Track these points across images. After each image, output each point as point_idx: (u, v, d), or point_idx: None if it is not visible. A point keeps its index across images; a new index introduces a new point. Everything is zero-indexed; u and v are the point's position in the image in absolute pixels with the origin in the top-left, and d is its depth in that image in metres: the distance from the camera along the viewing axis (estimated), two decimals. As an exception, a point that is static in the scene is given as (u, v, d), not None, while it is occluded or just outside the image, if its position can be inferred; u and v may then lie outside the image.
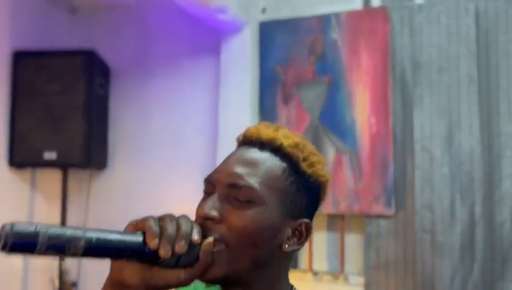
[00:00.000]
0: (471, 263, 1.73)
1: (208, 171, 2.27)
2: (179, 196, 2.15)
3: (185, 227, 0.59)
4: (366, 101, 1.93)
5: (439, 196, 1.78)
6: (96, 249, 0.55)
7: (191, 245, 0.59)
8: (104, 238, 0.56)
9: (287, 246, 0.68)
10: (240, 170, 0.67)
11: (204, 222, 0.64)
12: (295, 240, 0.69)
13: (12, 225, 0.50)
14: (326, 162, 0.74)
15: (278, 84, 2.07)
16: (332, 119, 1.97)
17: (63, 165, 2.09)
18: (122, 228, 2.09)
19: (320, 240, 2.06)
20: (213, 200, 0.66)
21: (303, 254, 2.10)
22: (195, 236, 0.60)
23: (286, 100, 2.06)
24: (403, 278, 1.81)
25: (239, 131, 2.38)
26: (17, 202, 2.14)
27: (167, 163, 2.23)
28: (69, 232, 0.53)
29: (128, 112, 2.31)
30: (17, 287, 2.10)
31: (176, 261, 0.58)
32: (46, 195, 2.23)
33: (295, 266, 2.09)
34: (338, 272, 1.98)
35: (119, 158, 2.28)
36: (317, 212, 1.96)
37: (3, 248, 0.50)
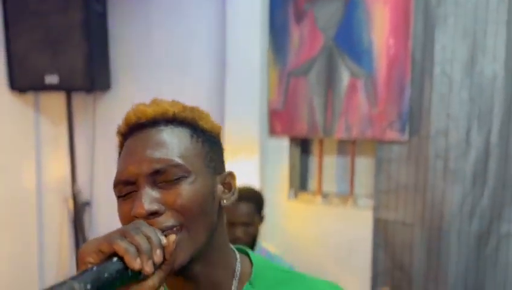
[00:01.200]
0: (481, 189, 1.74)
1: (216, 96, 2.20)
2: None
3: (153, 236, 0.57)
4: (386, 21, 1.79)
5: (455, 122, 1.74)
6: None
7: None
8: (94, 278, 0.52)
9: (225, 201, 0.69)
10: (154, 154, 0.64)
11: (147, 220, 0.60)
12: (227, 192, 0.70)
13: None
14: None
15: (289, 1, 1.92)
16: (348, 41, 1.85)
17: (66, 88, 2.02)
18: None
19: (330, 163, 2.06)
20: (145, 194, 0.62)
21: (312, 177, 2.12)
22: (163, 240, 0.58)
23: (298, 18, 1.92)
24: (412, 202, 1.84)
25: (248, 53, 2.26)
26: (23, 127, 2.11)
27: (173, 84, 2.15)
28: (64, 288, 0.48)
29: (129, 30, 2.17)
30: (32, 208, 2.15)
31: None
32: (51, 119, 2.19)
33: (305, 188, 2.13)
34: (347, 194, 2.01)
35: (123, 80, 2.19)
36: (328, 137, 1.91)
37: None
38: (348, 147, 2.02)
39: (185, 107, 0.69)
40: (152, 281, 0.57)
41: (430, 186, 1.79)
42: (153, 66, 2.17)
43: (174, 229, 0.61)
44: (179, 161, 0.63)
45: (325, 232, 1.96)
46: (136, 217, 0.61)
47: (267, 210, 1.91)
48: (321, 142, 2.05)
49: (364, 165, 2.00)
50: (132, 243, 0.54)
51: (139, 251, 0.54)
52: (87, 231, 2.24)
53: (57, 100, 2.12)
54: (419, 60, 1.78)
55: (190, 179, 0.64)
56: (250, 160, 1.98)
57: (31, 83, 1.97)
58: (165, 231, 0.60)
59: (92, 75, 1.98)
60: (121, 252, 0.53)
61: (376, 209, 1.90)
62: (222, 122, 1.97)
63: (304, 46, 1.91)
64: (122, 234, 0.55)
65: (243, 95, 1.97)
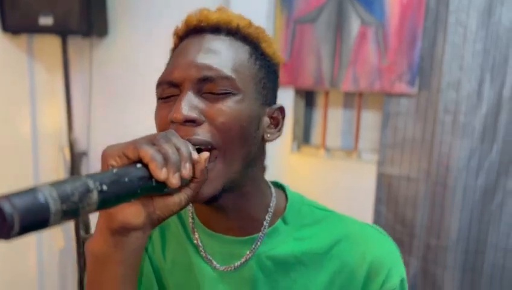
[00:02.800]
0: (490, 144, 1.70)
1: None
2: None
3: (183, 148, 0.51)
4: (401, -35, 1.69)
5: (467, 74, 1.68)
6: (109, 198, 0.45)
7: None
8: (113, 180, 0.45)
9: (268, 135, 0.64)
10: (207, 60, 0.59)
11: (182, 128, 0.56)
12: (273, 127, 0.65)
13: (10, 198, 0.37)
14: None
15: None
16: (360, -14, 1.76)
17: (61, 31, 1.92)
18: (126, 96, 2.00)
19: (334, 116, 2.00)
20: (187, 99, 0.57)
21: (316, 130, 2.07)
22: (195, 154, 0.53)
23: (308, -39, 1.81)
24: (417, 157, 1.80)
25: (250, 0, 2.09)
26: (16, 70, 2.02)
27: (173, 30, 2.05)
28: (75, 185, 0.41)
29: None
30: (28, 157, 2.10)
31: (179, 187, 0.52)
32: (46, 63, 2.10)
33: (308, 141, 2.08)
34: (351, 148, 1.97)
35: (121, 25, 2.09)
36: (334, 89, 1.83)
37: (7, 234, 0.36)
38: (354, 100, 1.96)
39: (251, 24, 0.64)
40: (178, 198, 0.53)
41: (437, 141, 1.74)
42: (152, 12, 2.07)
43: (209, 147, 0.57)
44: (230, 73, 0.59)
45: (328, 186, 1.93)
46: (173, 121, 0.57)
47: (269, 162, 1.87)
48: (327, 94, 1.99)
49: (370, 119, 1.95)
50: (160, 152, 0.49)
51: (166, 161, 0.49)
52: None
53: (51, 44, 2.03)
54: (433, 8, 1.70)
55: (237, 98, 0.59)
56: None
57: (24, 24, 1.87)
58: (198, 146, 0.56)
59: (88, 19, 1.88)
60: (146, 159, 0.48)
61: (381, 163, 1.86)
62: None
63: (312, -9, 1.81)
64: (151, 140, 0.50)
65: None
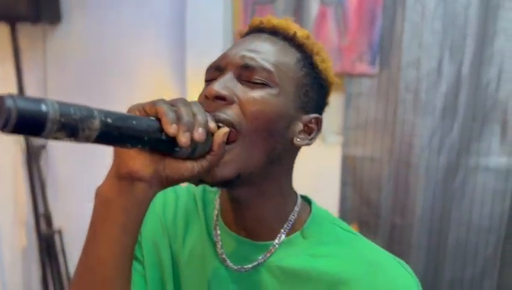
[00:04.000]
0: (451, 122, 1.71)
1: (176, 28, 2.01)
2: (145, 53, 1.97)
3: (200, 114, 0.53)
4: None
5: (427, 52, 1.67)
6: (112, 131, 0.46)
7: (207, 134, 0.54)
8: (120, 118, 0.47)
9: (298, 140, 0.64)
10: (253, 53, 0.62)
11: (212, 103, 0.59)
12: (306, 135, 0.66)
13: (14, 97, 0.39)
14: (331, 62, 0.70)
15: None
16: (318, -35, 1.72)
17: (8, 18, 1.83)
18: (84, 91, 1.91)
19: (298, 99, 1.98)
20: (224, 79, 0.61)
21: (280, 114, 2.04)
22: (212, 124, 0.55)
23: None
24: (381, 137, 1.80)
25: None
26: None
27: (130, 16, 1.98)
28: (79, 109, 0.44)
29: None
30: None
31: (191, 152, 0.53)
32: (-5, 54, 2.00)
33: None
34: (316, 131, 1.95)
35: (75, 12, 2.01)
36: None
37: (4, 127, 0.39)
38: (316, 82, 1.94)
39: (309, 36, 0.67)
40: (191, 165, 0.54)
41: (399, 120, 1.74)
42: (107, -3, 1.99)
43: (232, 127, 0.58)
44: (270, 67, 0.62)
45: (293, 170, 1.91)
46: (206, 96, 0.59)
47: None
48: (289, 77, 1.96)
49: (333, 101, 1.92)
50: (175, 112, 0.51)
51: (179, 120, 0.51)
52: (44, 175, 2.12)
53: (0, 32, 1.93)
54: (391, -14, 1.68)
55: (272, 91, 0.61)
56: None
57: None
58: (221, 123, 0.57)
59: (37, 4, 1.79)
60: (160, 113, 0.50)
61: (345, 145, 1.85)
62: (183, 55, 1.84)
63: (270, -29, 1.77)
64: (171, 102, 0.53)
65: (205, 26, 1.83)
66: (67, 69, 2.07)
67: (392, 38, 1.72)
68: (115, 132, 0.46)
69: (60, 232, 2.16)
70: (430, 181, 1.73)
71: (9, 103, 0.39)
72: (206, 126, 0.53)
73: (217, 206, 0.72)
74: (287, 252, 0.66)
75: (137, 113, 0.52)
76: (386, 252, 0.66)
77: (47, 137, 0.41)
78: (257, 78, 0.61)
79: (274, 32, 0.66)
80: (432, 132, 1.70)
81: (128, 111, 0.52)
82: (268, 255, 0.66)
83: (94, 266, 0.55)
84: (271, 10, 1.80)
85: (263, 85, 0.61)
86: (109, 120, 0.46)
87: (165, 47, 1.93)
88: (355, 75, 1.78)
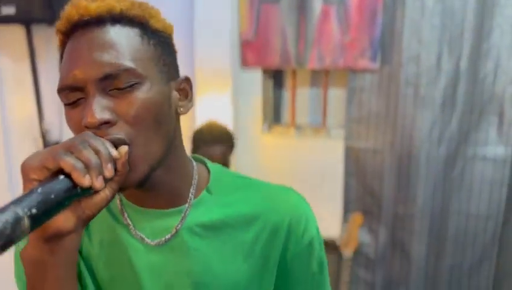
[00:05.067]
0: (450, 114, 1.78)
1: (185, 27, 2.10)
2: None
3: (102, 149, 0.53)
4: None
5: (426, 48, 1.74)
6: (40, 218, 0.47)
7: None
8: (40, 201, 0.47)
9: (181, 109, 0.66)
10: (104, 56, 0.58)
11: (97, 131, 0.56)
12: (184, 99, 0.67)
13: None
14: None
15: None
16: (320, -35, 1.79)
17: (25, 20, 1.91)
18: None
19: (303, 95, 2.05)
20: (97, 102, 0.57)
21: (285, 109, 2.11)
22: (114, 152, 0.54)
23: None
24: (382, 130, 1.87)
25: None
26: (-19, 62, 2.00)
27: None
28: (5, 219, 0.43)
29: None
30: (0, 148, 2.09)
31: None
32: (11, 54, 2.08)
33: (278, 121, 2.13)
34: (320, 126, 2.03)
35: (87, 12, 2.08)
36: (301, 68, 1.88)
37: None
38: (320, 78, 2.01)
39: (133, 4, 0.62)
40: (104, 194, 0.54)
41: (400, 113, 1.81)
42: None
43: (127, 142, 0.57)
44: (130, 64, 0.58)
45: (299, 163, 1.99)
46: (87, 127, 0.56)
47: (241, 144, 1.91)
48: (294, 73, 2.03)
49: (337, 95, 2.01)
50: (80, 159, 0.50)
51: (87, 167, 0.50)
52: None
53: (16, 33, 2.01)
54: (392, -16, 1.75)
55: (144, 87, 0.59)
56: (222, 93, 1.95)
57: (-14, 14, 1.85)
58: (116, 143, 0.56)
59: (52, 6, 1.87)
60: (68, 169, 0.49)
61: (348, 138, 1.93)
62: (191, 54, 1.91)
63: (275, -28, 1.84)
64: (68, 148, 0.51)
65: (212, 25, 1.91)
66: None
67: (392, 35, 1.79)
68: (43, 218, 0.47)
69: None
70: (430, 171, 1.81)
71: None
72: (111, 159, 0.53)
73: (118, 196, 0.72)
74: (200, 210, 0.70)
75: (40, 173, 0.49)
76: (277, 184, 0.77)
77: None
78: (122, 84, 0.58)
79: (100, 20, 0.60)
80: (431, 124, 1.78)
81: (27, 171, 0.50)
82: (184, 218, 0.69)
83: None
84: (276, 9, 1.87)
85: (132, 86, 0.58)
86: (34, 211, 0.46)
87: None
88: (357, 70, 1.85)
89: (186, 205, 0.69)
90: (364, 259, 1.99)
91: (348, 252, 1.89)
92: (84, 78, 0.57)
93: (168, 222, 0.69)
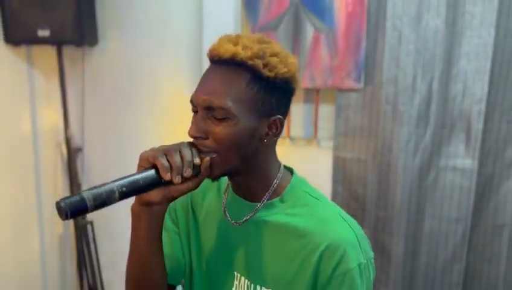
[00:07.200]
0: (424, 129, 2.02)
1: (193, 48, 2.46)
2: (167, 69, 2.33)
3: (187, 156, 0.78)
4: (344, -19, 2.01)
5: (403, 71, 1.99)
6: (127, 193, 0.74)
7: (194, 165, 0.79)
8: (131, 183, 0.75)
9: (265, 140, 0.85)
10: (211, 93, 0.81)
11: (195, 140, 0.83)
12: (272, 133, 0.86)
13: (64, 200, 0.69)
14: (288, 57, 0.84)
15: (260, -39, 2.11)
16: (312, -1, 2.07)
17: (57, 42, 2.20)
18: (116, 98, 2.39)
19: (297, 110, 2.31)
20: (197, 121, 0.82)
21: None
22: (196, 160, 0.80)
23: (268, -22, 2.12)
24: (366, 142, 2.12)
25: (223, 9, 2.48)
26: (17, 78, 2.30)
27: (155, 38, 2.35)
28: (105, 189, 0.72)
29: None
30: (29, 152, 2.38)
31: (185, 179, 0.80)
32: (43, 71, 2.38)
33: (275, 133, 2.38)
34: (312, 137, 2.28)
35: (109, 35, 2.38)
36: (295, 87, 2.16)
37: (66, 218, 0.69)
38: (312, 96, 2.27)
39: (255, 54, 0.80)
40: (187, 185, 0.80)
41: (381, 127, 2.06)
42: (136, 23, 2.36)
43: (211, 153, 0.82)
44: (228, 105, 0.79)
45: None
46: (189, 134, 0.83)
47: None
48: (289, 91, 2.29)
49: (326, 111, 2.26)
50: (169, 161, 0.77)
51: (171, 167, 0.76)
52: (79, 174, 2.48)
53: (48, 53, 2.30)
54: (373, 15, 2.02)
55: (232, 122, 0.80)
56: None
57: (24, 36, 2.14)
58: (203, 153, 0.81)
59: (81, 30, 2.16)
60: (158, 166, 0.76)
61: (336, 149, 2.18)
62: (200, 70, 2.18)
63: (272, 4, 2.12)
64: (165, 151, 0.78)
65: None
66: (101, 83, 2.44)
67: (374, 59, 2.05)
68: (131, 194, 0.75)
69: (91, 223, 2.50)
70: (407, 179, 2.04)
71: (63, 205, 0.68)
72: (191, 164, 0.78)
73: (228, 180, 0.98)
74: (268, 211, 0.89)
75: (146, 163, 0.77)
76: (339, 211, 0.89)
77: (90, 212, 0.71)
78: (218, 116, 0.80)
79: (224, 62, 0.81)
80: (408, 137, 2.02)
81: (141, 159, 0.78)
82: (255, 213, 0.90)
83: (136, 252, 0.86)
84: (274, 36, 2.15)
85: (224, 119, 0.80)
86: (124, 189, 0.73)
87: (184, 64, 2.27)
88: (344, 89, 2.11)
89: (260, 204, 0.90)
90: (350, 258, 2.22)
91: (334, 250, 2.11)
92: (197, 102, 0.83)
93: (244, 210, 0.92)
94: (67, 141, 2.40)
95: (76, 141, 2.49)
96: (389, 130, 2.05)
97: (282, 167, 0.93)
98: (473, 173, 1.98)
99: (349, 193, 2.18)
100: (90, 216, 2.48)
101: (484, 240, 2.05)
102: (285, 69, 0.82)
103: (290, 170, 0.96)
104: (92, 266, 2.49)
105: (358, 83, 2.07)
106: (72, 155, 2.43)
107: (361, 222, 2.18)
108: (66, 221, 2.55)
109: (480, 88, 1.92)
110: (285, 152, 2.37)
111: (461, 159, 2.00)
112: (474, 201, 2.00)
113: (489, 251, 2.04)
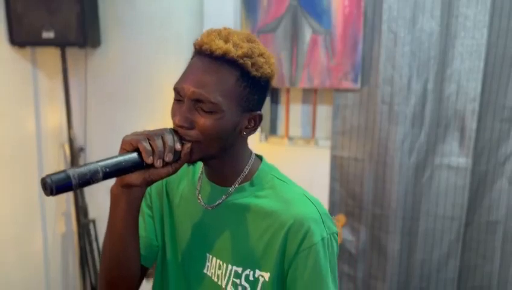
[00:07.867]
0: (419, 128, 2.07)
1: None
2: (168, 69, 2.37)
3: (169, 142, 0.80)
4: (341, -16, 2.06)
5: (399, 72, 2.04)
6: (111, 174, 0.77)
7: (175, 151, 0.82)
8: (114, 164, 0.77)
9: (245, 133, 0.90)
10: (201, 86, 0.82)
11: (179, 128, 0.84)
12: (251, 127, 0.91)
13: (50, 176, 0.71)
14: (271, 58, 0.90)
15: (259, -35, 2.17)
16: (310, 1, 2.12)
17: (61, 43, 2.26)
18: (118, 98, 2.46)
19: (295, 110, 2.36)
20: (183, 111, 0.84)
21: (281, 123, 2.42)
22: (178, 146, 0.82)
23: (267, -19, 2.17)
24: (362, 142, 2.17)
25: (222, 10, 2.54)
26: (21, 79, 2.35)
27: (156, 40, 2.40)
28: (89, 168, 0.74)
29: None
30: (33, 152, 2.42)
31: (166, 164, 0.82)
32: (47, 72, 2.43)
33: (274, 133, 2.44)
34: (310, 137, 2.33)
35: (111, 37, 2.43)
36: (293, 87, 2.30)
37: (51, 193, 0.71)
38: (310, 96, 2.32)
39: (245, 54, 0.83)
40: (167, 169, 0.82)
41: (377, 127, 2.11)
42: (137, 25, 2.41)
43: (194, 141, 0.84)
44: (217, 99, 0.82)
45: (291, 169, 2.25)
46: (174, 122, 0.85)
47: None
48: (288, 92, 2.35)
49: (324, 111, 2.31)
50: (151, 145, 0.79)
51: (153, 151, 0.79)
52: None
53: (52, 54, 2.36)
54: (370, 18, 2.07)
55: (219, 116, 0.83)
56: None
57: (29, 38, 2.20)
58: (184, 140, 0.84)
59: (84, 32, 2.21)
60: (141, 149, 0.79)
61: (333, 148, 2.23)
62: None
63: (271, 6, 2.18)
64: (148, 136, 0.80)
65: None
66: (104, 84, 2.49)
67: (370, 60, 2.10)
68: (112, 174, 0.77)
69: (94, 221, 2.54)
70: (403, 178, 2.09)
71: (48, 181, 0.70)
72: (172, 149, 0.80)
73: (202, 167, 1.01)
74: (239, 195, 0.94)
75: (128, 146, 0.78)
76: (304, 192, 0.93)
77: (74, 190, 0.74)
78: (206, 108, 0.82)
79: (215, 57, 0.82)
80: (403, 136, 2.07)
81: (123, 143, 0.79)
82: (227, 196, 0.94)
83: (113, 232, 0.88)
84: (273, 38, 2.20)
85: (211, 112, 0.83)
86: (107, 169, 0.75)
87: (185, 65, 2.32)
88: (341, 90, 2.16)
89: (231, 188, 0.94)
90: (347, 255, 2.26)
91: (331, 247, 2.15)
92: (184, 92, 0.84)
93: (217, 194, 0.97)
94: (71, 141, 2.45)
95: (79, 141, 2.54)
96: (385, 130, 2.10)
97: (253, 154, 0.99)
98: (467, 171, 2.03)
99: (346, 191, 2.23)
100: (92, 215, 2.53)
101: (478, 237, 2.09)
102: (269, 70, 0.88)
103: (260, 158, 1.01)
104: (94, 264, 2.53)
105: (355, 84, 2.12)
106: (75, 154, 2.48)
107: (358, 220, 2.24)
108: (67, 220, 2.63)
109: (473, 88, 1.97)
110: (283, 151, 2.46)
111: (456, 157, 2.05)
112: (468, 198, 2.05)
113: (484, 247, 2.09)
